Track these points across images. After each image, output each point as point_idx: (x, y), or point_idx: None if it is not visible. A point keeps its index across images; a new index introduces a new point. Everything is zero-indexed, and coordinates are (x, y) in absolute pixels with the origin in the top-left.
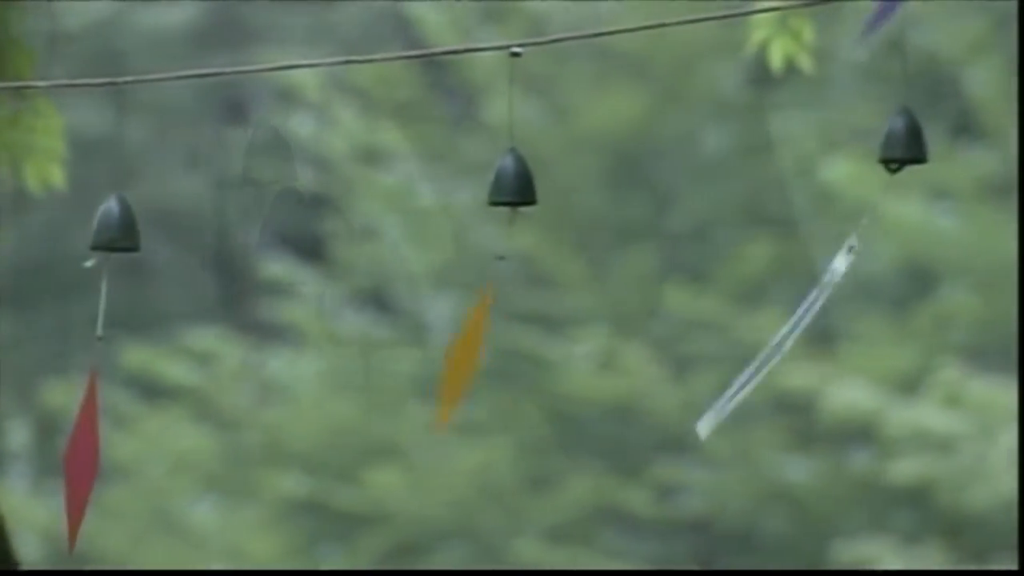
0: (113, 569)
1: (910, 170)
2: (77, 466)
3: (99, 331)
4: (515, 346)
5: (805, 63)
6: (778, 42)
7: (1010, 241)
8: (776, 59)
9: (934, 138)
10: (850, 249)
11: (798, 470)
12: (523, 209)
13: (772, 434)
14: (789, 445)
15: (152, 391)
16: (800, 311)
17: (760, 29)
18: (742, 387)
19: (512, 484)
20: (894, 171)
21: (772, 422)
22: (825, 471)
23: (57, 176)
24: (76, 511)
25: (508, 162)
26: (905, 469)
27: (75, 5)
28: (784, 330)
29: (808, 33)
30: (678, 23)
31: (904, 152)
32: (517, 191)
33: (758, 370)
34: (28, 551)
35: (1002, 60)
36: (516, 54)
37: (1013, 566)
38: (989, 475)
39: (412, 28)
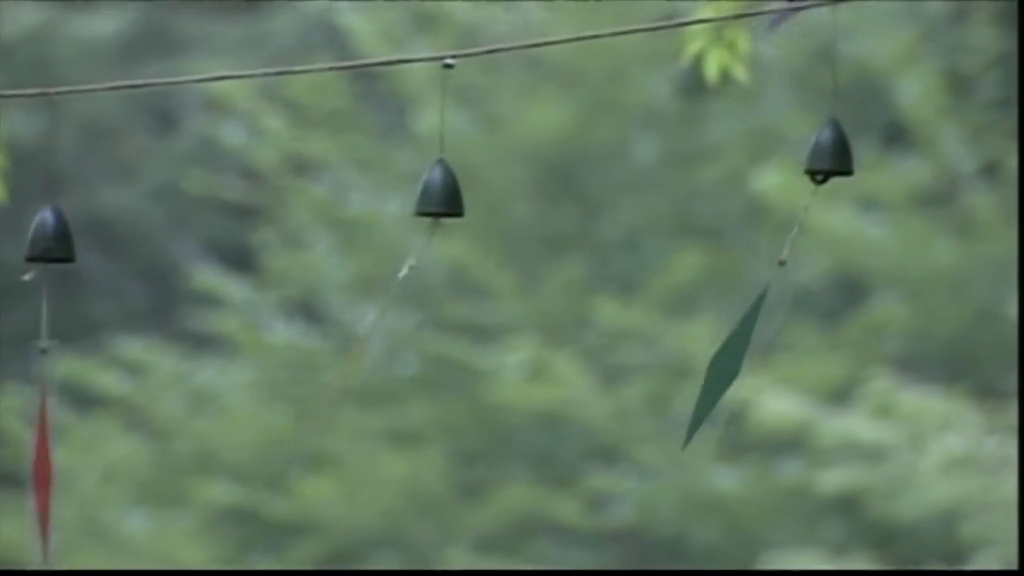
0: (113, 569)
1: (840, 180)
2: (39, 479)
3: (43, 343)
4: (445, 355)
5: (740, 74)
6: (714, 53)
7: (940, 251)
8: (712, 70)
9: (865, 148)
10: (781, 263)
11: (728, 480)
12: (450, 220)
13: (702, 444)
14: (719, 455)
15: (83, 400)
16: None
17: (696, 40)
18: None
19: (442, 493)
20: (820, 182)
21: (702, 432)
22: (755, 481)
23: (1, 191)
24: (45, 522)
25: (436, 173)
26: (835, 479)
27: (5, 15)
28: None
29: (743, 44)
30: (610, 34)
31: (831, 164)
32: (444, 202)
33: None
34: None
35: (932, 70)
36: (449, 66)
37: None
38: (919, 484)
39: (343, 38)
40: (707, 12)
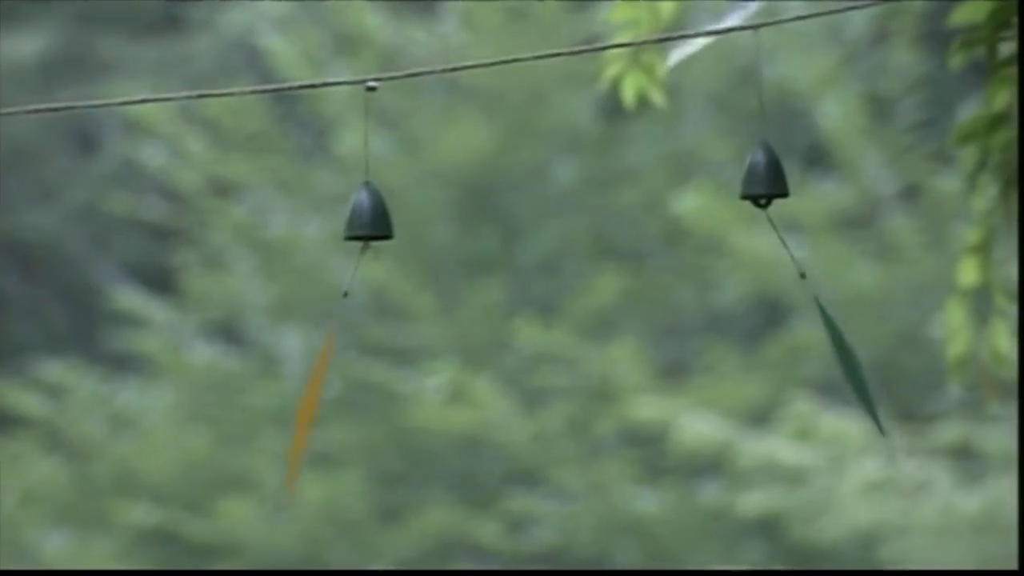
0: (113, 569)
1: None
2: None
3: None
4: (366, 378)
5: (657, 98)
6: (631, 77)
7: (861, 273)
8: (629, 94)
9: (786, 172)
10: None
11: (648, 502)
12: (377, 243)
13: (622, 466)
14: (639, 477)
15: (3, 422)
16: None
17: (613, 64)
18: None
19: (362, 516)
20: (763, 206)
21: (622, 454)
22: (675, 503)
23: None
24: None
25: (363, 196)
26: (755, 501)
27: None
28: None
29: (660, 68)
30: (530, 58)
31: (767, 187)
32: (372, 225)
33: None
34: None
35: (852, 93)
36: (372, 88)
37: None
38: (839, 507)
39: (263, 61)
40: (625, 36)
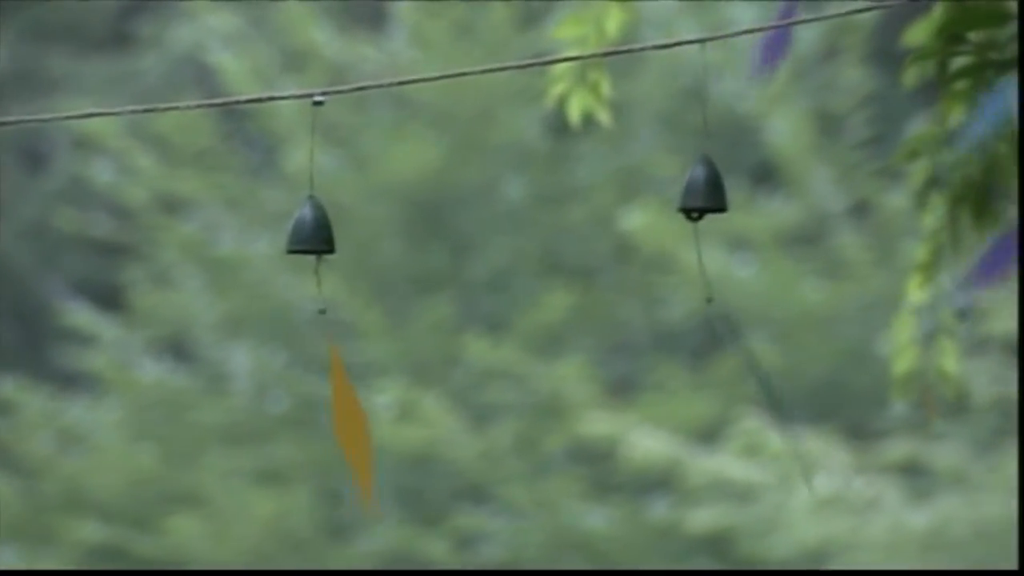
0: (113, 569)
1: (709, 219)
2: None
3: None
4: (314, 395)
5: (603, 116)
6: (576, 95)
7: (809, 290)
8: (574, 112)
9: (734, 188)
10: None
11: (597, 518)
12: (321, 257)
13: (571, 482)
14: (588, 494)
15: None
16: None
17: (559, 82)
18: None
19: (311, 532)
20: (695, 220)
21: (571, 471)
22: (624, 519)
23: None
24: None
25: (306, 210)
26: (704, 518)
27: None
28: None
29: (606, 87)
30: (478, 72)
31: (704, 201)
32: (314, 239)
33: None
34: None
35: (801, 110)
36: (319, 103)
37: None
38: (788, 524)
39: (212, 76)
40: (572, 53)
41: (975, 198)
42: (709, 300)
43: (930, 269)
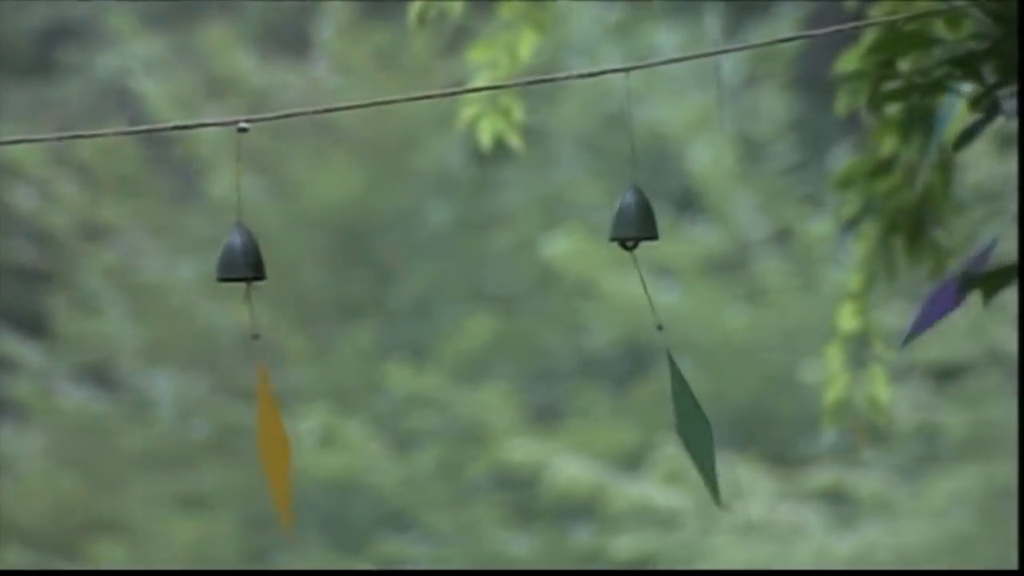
0: (113, 569)
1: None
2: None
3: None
4: (238, 421)
5: (515, 141)
6: (487, 120)
7: (732, 317)
8: (485, 136)
9: (657, 215)
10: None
11: (520, 545)
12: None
13: (494, 509)
14: (511, 520)
15: None
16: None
17: (470, 107)
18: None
19: (233, 558)
20: (630, 249)
21: (494, 497)
22: (547, 546)
23: None
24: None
25: (235, 237)
26: (627, 544)
27: None
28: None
29: (518, 112)
30: (404, 100)
31: (637, 230)
32: (245, 266)
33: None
34: None
35: (724, 137)
36: (244, 129)
37: None
38: (711, 550)
39: (135, 103)
40: (484, 77)
41: (908, 226)
42: (659, 327)
43: (861, 298)
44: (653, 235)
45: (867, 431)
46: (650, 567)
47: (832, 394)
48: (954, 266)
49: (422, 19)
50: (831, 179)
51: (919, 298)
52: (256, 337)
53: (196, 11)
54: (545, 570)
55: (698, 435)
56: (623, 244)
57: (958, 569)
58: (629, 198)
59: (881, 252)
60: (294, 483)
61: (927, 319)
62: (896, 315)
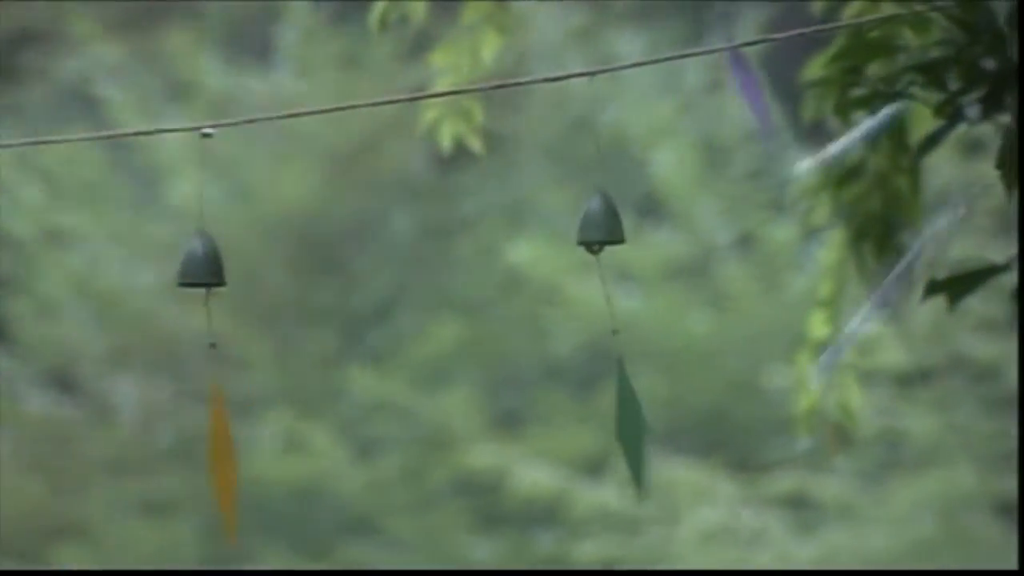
0: (115, 569)
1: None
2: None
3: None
4: (199, 428)
5: (475, 144)
6: (448, 122)
7: (694, 322)
8: (446, 139)
9: (621, 220)
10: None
11: (483, 551)
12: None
13: (457, 515)
14: (474, 526)
15: None
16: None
17: (431, 109)
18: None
19: (196, 564)
20: (596, 252)
21: (457, 503)
22: (510, 552)
23: None
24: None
25: (196, 243)
26: (590, 549)
27: None
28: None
29: (478, 114)
30: (366, 104)
31: (603, 234)
32: (206, 272)
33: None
34: None
35: (687, 142)
36: (207, 135)
37: None
38: (675, 556)
39: (98, 109)
40: (446, 80)
41: (877, 232)
42: (615, 332)
43: (831, 305)
44: (619, 239)
45: (839, 437)
46: (613, 572)
47: (803, 403)
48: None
49: (384, 22)
50: (798, 186)
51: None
52: (213, 345)
53: (158, 16)
54: (510, 570)
55: (635, 441)
56: (589, 248)
57: (958, 569)
58: (596, 202)
59: (850, 259)
60: (256, 489)
61: (890, 294)
62: (868, 321)
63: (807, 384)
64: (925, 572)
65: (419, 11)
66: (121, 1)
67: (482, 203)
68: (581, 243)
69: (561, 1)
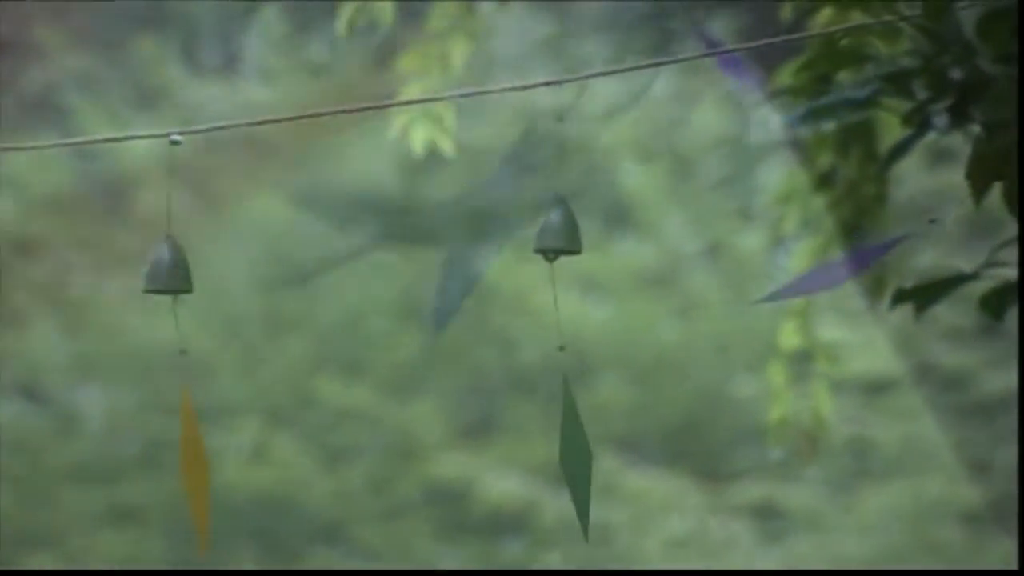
0: (116, 569)
1: (564, 260)
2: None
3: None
4: (167, 436)
5: (447, 147)
6: (420, 127)
7: (663, 332)
8: (417, 143)
9: (588, 230)
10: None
11: (450, 560)
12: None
13: (424, 524)
14: (442, 535)
15: None
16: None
17: (403, 114)
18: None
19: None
20: (551, 260)
21: (425, 512)
22: (478, 560)
23: None
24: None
25: (163, 250)
26: (558, 559)
27: None
28: None
29: (450, 119)
30: (334, 112)
31: (560, 242)
32: (171, 279)
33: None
34: None
35: (655, 151)
36: (176, 142)
37: None
38: (643, 565)
39: (64, 117)
40: (416, 84)
41: (847, 241)
42: (561, 348)
43: (803, 315)
44: (576, 249)
45: (811, 446)
46: None
47: (775, 412)
48: (855, 249)
49: (351, 26)
50: (770, 194)
51: (859, 312)
52: (184, 352)
53: (125, 24)
54: (477, 570)
55: (579, 464)
56: (545, 256)
57: (958, 569)
58: (554, 211)
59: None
60: (224, 497)
61: (800, 286)
62: (836, 329)
63: (779, 394)
64: (925, 572)
65: (387, 14)
66: (90, 3)
67: (447, 212)
68: (538, 251)
69: (528, 1)
